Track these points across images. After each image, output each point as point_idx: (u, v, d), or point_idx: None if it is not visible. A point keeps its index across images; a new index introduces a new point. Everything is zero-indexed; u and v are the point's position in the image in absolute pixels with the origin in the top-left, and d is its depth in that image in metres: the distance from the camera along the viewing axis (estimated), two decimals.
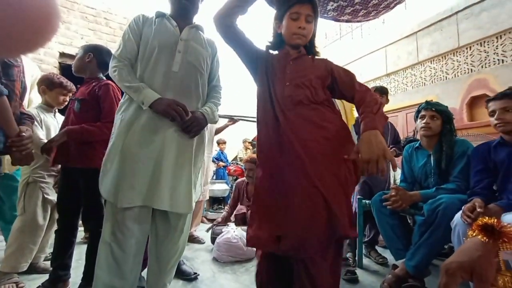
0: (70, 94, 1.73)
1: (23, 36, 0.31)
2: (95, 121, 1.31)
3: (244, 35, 1.05)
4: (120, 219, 1.03)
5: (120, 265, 1.02)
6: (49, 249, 1.71)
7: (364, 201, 1.90)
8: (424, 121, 1.63)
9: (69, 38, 3.57)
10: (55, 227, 1.45)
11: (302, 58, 1.06)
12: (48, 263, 1.57)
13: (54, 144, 1.28)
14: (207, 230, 2.37)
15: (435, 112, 1.61)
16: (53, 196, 1.62)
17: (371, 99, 0.93)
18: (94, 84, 1.37)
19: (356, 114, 1.93)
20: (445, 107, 1.65)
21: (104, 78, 1.44)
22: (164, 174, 1.04)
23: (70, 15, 3.57)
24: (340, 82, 1.03)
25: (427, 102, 1.68)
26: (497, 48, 3.33)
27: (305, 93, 0.97)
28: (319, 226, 0.84)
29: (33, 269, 1.62)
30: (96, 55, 1.43)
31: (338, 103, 1.74)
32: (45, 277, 1.39)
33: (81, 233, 2.19)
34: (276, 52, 1.11)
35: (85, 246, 1.34)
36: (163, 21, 1.15)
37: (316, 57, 1.10)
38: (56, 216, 1.44)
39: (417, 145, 1.76)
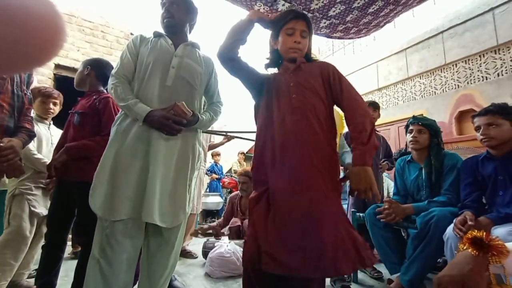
0: (54, 101, 1.71)
1: (28, 52, 0.31)
2: (94, 135, 1.30)
3: (248, 65, 1.08)
4: (110, 233, 1.00)
5: (109, 283, 0.98)
6: (33, 266, 1.64)
7: (358, 214, 1.90)
8: (412, 135, 1.68)
9: (65, 50, 3.58)
10: (42, 242, 1.39)
11: (301, 67, 1.05)
12: (32, 280, 1.50)
13: (55, 163, 1.27)
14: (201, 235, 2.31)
15: (422, 126, 1.66)
16: (40, 209, 1.57)
17: (359, 123, 0.93)
18: (94, 97, 1.37)
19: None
20: (431, 121, 1.70)
21: (105, 91, 1.45)
22: (156, 187, 1.03)
23: (67, 28, 3.61)
24: (333, 89, 1.03)
25: (414, 117, 1.74)
26: (480, 66, 3.48)
27: (313, 104, 0.98)
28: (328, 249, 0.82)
29: (15, 287, 1.54)
30: (95, 68, 1.44)
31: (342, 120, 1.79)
32: None
33: (68, 248, 2.11)
34: (275, 70, 1.14)
35: (72, 262, 1.30)
36: (160, 40, 1.20)
37: (317, 61, 1.12)
38: (44, 230, 1.39)
39: (409, 158, 1.79)
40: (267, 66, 1.15)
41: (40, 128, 1.69)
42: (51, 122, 1.79)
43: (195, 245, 2.56)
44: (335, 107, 1.08)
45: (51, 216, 1.35)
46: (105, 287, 0.98)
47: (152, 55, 1.15)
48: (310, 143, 0.94)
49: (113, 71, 1.16)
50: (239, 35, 1.03)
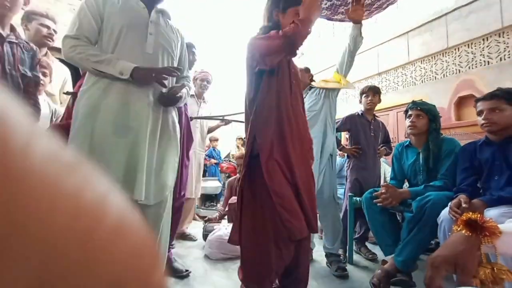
0: (43, 70, 1.55)
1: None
2: None
3: None
4: None
5: None
6: None
7: (355, 198, 1.93)
8: (410, 119, 1.68)
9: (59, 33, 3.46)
10: None
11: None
12: None
13: None
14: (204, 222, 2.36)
15: (420, 111, 1.66)
16: None
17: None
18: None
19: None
20: (430, 106, 1.69)
21: None
22: (143, 164, 0.99)
23: (57, 7, 3.46)
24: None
25: (413, 102, 1.73)
26: (483, 50, 3.42)
27: (300, 97, 1.16)
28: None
29: None
30: None
31: (335, 76, 1.85)
32: None
33: None
34: None
35: None
36: (129, 1, 1.07)
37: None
38: None
39: (407, 143, 1.80)
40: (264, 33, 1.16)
41: None
42: (47, 98, 1.67)
43: (195, 228, 2.62)
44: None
45: None
46: None
47: (124, 18, 1.02)
48: (305, 127, 1.14)
49: (69, 32, 0.98)
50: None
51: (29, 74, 1.09)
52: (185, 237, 2.43)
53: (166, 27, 1.13)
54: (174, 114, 1.16)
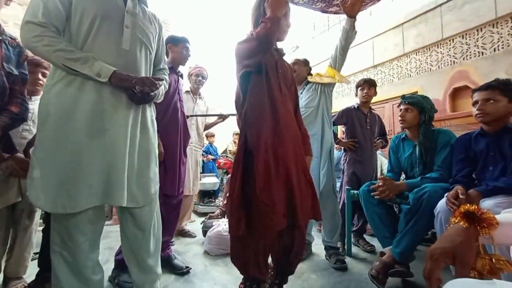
0: (43, 71, 1.47)
1: None
2: None
3: None
4: (70, 225, 0.90)
5: (77, 271, 0.94)
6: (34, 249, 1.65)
7: (352, 191, 1.95)
8: (400, 114, 1.70)
9: None
10: (31, 230, 1.39)
11: (282, 57, 1.24)
12: (33, 263, 1.52)
13: (31, 146, 1.18)
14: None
15: (409, 104, 1.67)
16: None
17: (306, 133, 1.32)
18: None
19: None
20: (418, 99, 1.69)
21: None
22: (121, 166, 0.93)
23: None
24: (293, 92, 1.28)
25: (402, 96, 1.75)
26: (477, 41, 3.43)
27: (291, 96, 1.21)
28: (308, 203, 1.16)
29: None
30: None
31: (328, 70, 1.86)
32: (32, 277, 1.35)
33: None
34: None
35: None
36: None
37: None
38: (27, 222, 1.36)
39: (403, 136, 1.81)
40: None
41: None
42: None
43: (193, 224, 2.62)
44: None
45: None
46: (75, 276, 0.94)
47: (96, 6, 0.91)
48: (294, 127, 1.18)
49: (31, 18, 0.84)
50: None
51: (15, 72, 1.06)
52: (184, 234, 2.44)
53: (144, 17, 1.04)
54: (152, 111, 1.12)
